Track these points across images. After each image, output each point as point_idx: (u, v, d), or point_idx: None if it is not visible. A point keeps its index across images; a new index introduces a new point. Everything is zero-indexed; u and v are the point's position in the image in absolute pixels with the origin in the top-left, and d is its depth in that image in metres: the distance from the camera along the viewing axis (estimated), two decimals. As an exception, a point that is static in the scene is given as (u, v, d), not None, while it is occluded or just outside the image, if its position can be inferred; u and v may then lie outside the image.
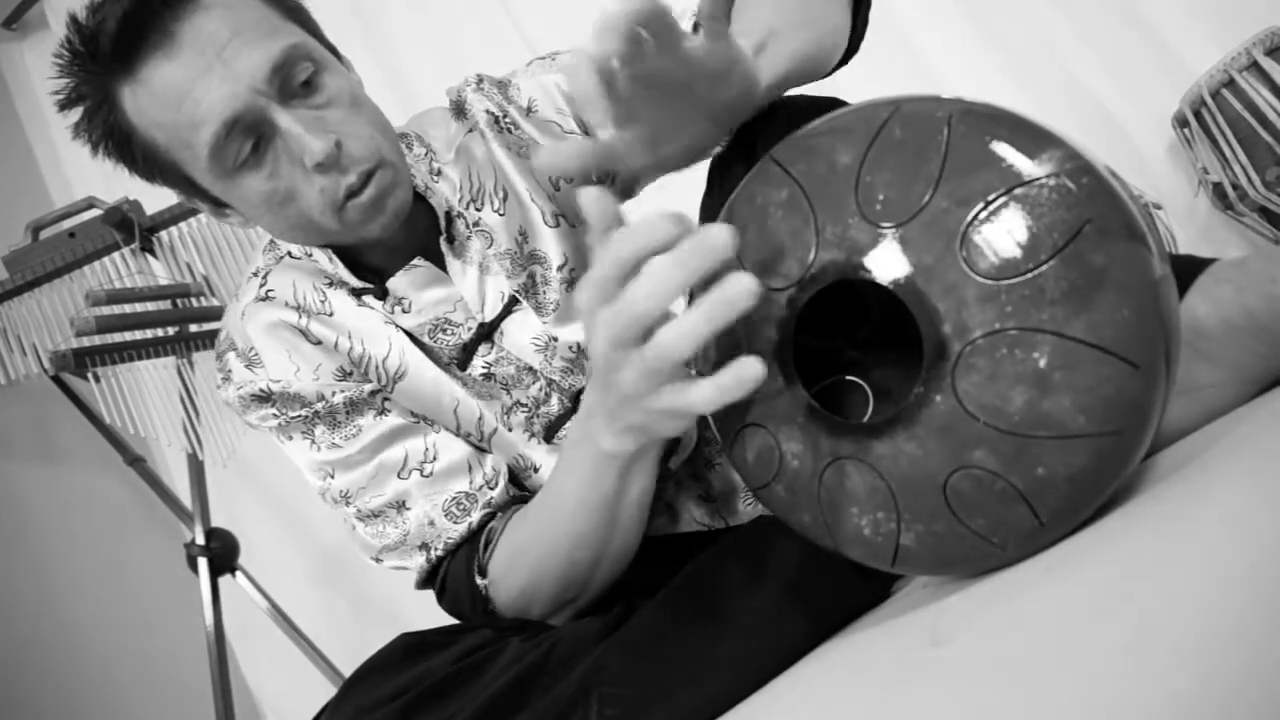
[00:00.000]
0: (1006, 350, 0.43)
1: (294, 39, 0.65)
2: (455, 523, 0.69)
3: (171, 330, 1.42)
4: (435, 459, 0.71)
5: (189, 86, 0.61)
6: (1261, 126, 1.23)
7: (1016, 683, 0.32)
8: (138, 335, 1.40)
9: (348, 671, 1.41)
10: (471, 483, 0.71)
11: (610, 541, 0.63)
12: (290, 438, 0.73)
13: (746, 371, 0.42)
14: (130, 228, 1.40)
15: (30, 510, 1.64)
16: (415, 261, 0.72)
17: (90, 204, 1.47)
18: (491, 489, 0.71)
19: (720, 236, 0.42)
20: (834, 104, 0.71)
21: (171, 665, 1.60)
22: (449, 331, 0.73)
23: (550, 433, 0.76)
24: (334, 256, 0.73)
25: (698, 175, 0.87)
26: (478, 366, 0.74)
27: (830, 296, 0.49)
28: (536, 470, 0.76)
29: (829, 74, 0.75)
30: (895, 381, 0.60)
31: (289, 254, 0.76)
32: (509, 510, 0.71)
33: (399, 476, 0.70)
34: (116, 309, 1.32)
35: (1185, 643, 0.28)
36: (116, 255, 1.42)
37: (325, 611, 1.66)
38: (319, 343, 0.72)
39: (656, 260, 0.43)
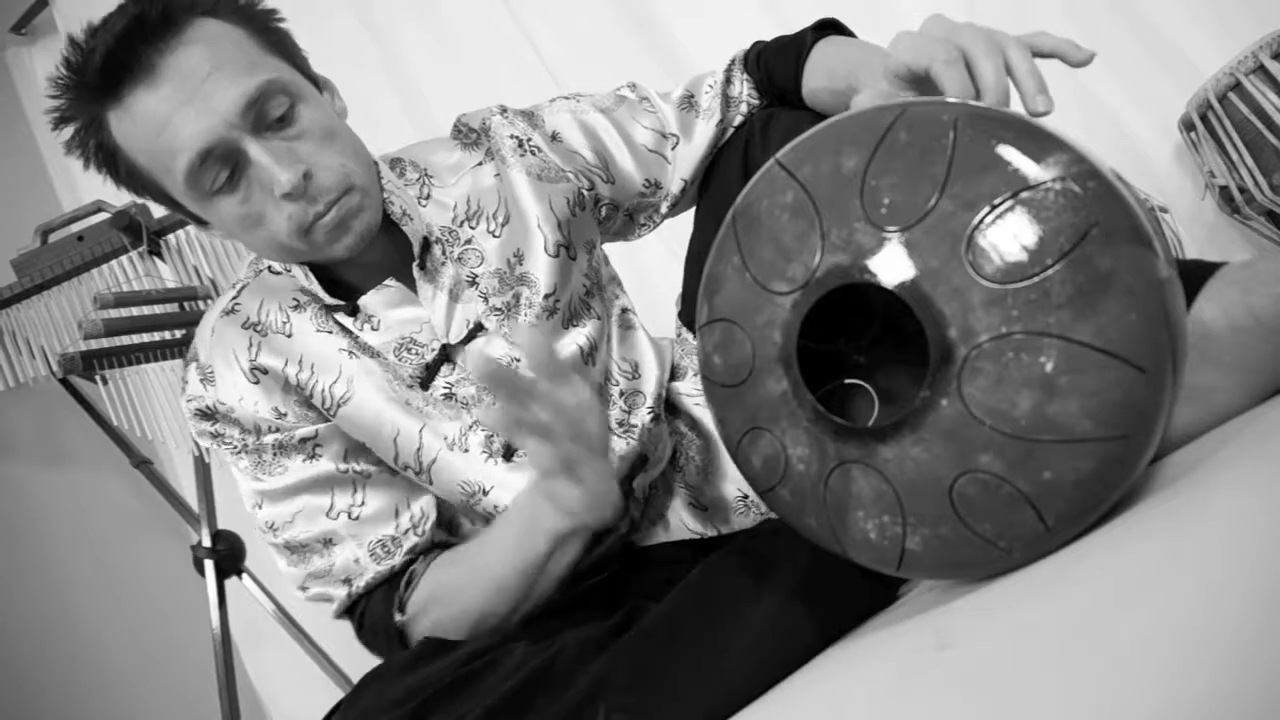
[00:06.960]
0: (1013, 354, 0.43)
1: (271, 74, 0.67)
2: (379, 563, 0.74)
3: (179, 333, 1.42)
4: (364, 504, 0.75)
5: (168, 117, 0.64)
6: (1268, 130, 1.23)
7: (1022, 685, 0.32)
8: (145, 338, 1.40)
9: (354, 674, 1.42)
10: (398, 527, 0.75)
11: (525, 602, 0.69)
12: (229, 456, 0.78)
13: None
14: (138, 231, 1.40)
15: (37, 512, 1.65)
16: (387, 282, 0.76)
17: (98, 208, 1.47)
18: (417, 535, 0.75)
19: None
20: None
21: (177, 668, 1.61)
22: (413, 350, 0.75)
23: (510, 451, 0.77)
24: (310, 274, 0.76)
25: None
26: (439, 387, 0.76)
27: (835, 300, 0.49)
28: (486, 493, 0.76)
29: None
30: (901, 385, 0.60)
31: (269, 269, 0.79)
32: (431, 553, 0.76)
33: (328, 516, 0.74)
34: (124, 312, 1.33)
35: (1189, 648, 0.28)
36: (124, 258, 1.42)
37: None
38: (257, 382, 0.75)
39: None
